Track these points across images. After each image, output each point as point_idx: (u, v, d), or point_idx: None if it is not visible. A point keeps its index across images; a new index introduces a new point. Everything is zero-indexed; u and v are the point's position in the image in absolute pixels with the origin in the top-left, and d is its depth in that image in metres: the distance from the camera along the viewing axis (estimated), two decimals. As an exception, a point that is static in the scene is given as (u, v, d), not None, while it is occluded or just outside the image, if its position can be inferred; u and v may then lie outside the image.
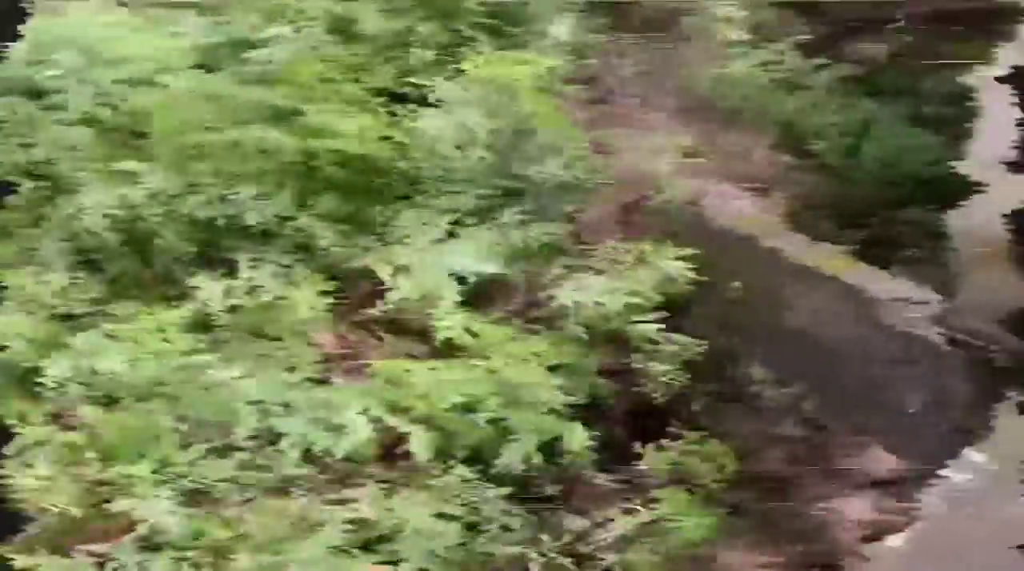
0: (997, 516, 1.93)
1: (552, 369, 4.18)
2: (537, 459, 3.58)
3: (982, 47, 6.51)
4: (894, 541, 1.82)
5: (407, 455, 3.52)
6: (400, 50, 4.73)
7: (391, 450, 3.56)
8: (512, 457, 3.49)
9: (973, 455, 2.08)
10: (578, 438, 3.87)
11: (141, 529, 2.94)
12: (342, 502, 3.26)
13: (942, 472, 2.03)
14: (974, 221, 2.49)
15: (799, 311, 3.53)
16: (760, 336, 3.96)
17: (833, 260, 3.46)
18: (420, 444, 3.41)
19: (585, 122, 5.11)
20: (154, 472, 3.14)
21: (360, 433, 3.27)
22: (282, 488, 3.28)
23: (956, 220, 2.91)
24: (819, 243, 3.80)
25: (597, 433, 4.57)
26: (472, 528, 3.35)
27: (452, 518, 3.27)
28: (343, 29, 4.78)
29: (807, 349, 3.52)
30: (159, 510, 2.97)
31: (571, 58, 5.14)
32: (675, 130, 5.13)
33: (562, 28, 4.73)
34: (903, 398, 2.97)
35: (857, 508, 4.64)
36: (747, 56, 6.59)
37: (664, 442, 4.07)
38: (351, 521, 3.15)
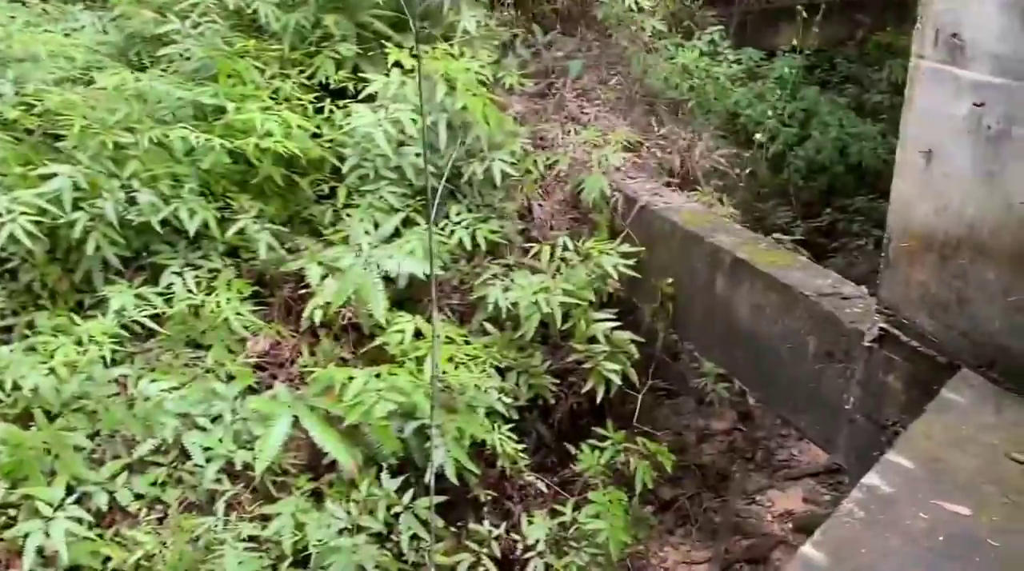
0: (912, 524, 1.86)
1: (495, 370, 4.11)
2: (468, 465, 3.49)
3: (895, 35, 6.52)
4: (808, 552, 1.74)
5: (334, 465, 3.42)
6: (318, 44, 4.58)
7: (318, 461, 3.45)
8: (440, 464, 3.39)
9: (894, 457, 2.01)
10: (511, 443, 3.80)
11: (34, 556, 2.78)
12: (262, 518, 3.14)
13: (865, 476, 1.96)
14: (912, 211, 2.42)
15: (736, 307, 3.46)
16: (700, 332, 3.90)
17: (771, 254, 3.39)
18: (346, 456, 3.29)
19: (525, 116, 5.01)
20: (65, 491, 2.99)
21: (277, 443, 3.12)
22: (200, 505, 3.16)
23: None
24: (760, 237, 3.73)
25: (536, 433, 4.57)
26: (388, 539, 3.25)
27: (368, 532, 3.17)
28: (245, 23, 4.61)
29: (744, 345, 3.45)
30: (60, 534, 2.82)
31: (498, 51, 5.01)
32: (618, 123, 5.04)
33: (472, 22, 4.58)
34: (837, 394, 2.91)
35: (789, 500, 4.64)
36: (684, 47, 6.56)
37: (602, 441, 4.02)
38: (264, 539, 3.03)
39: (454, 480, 3.44)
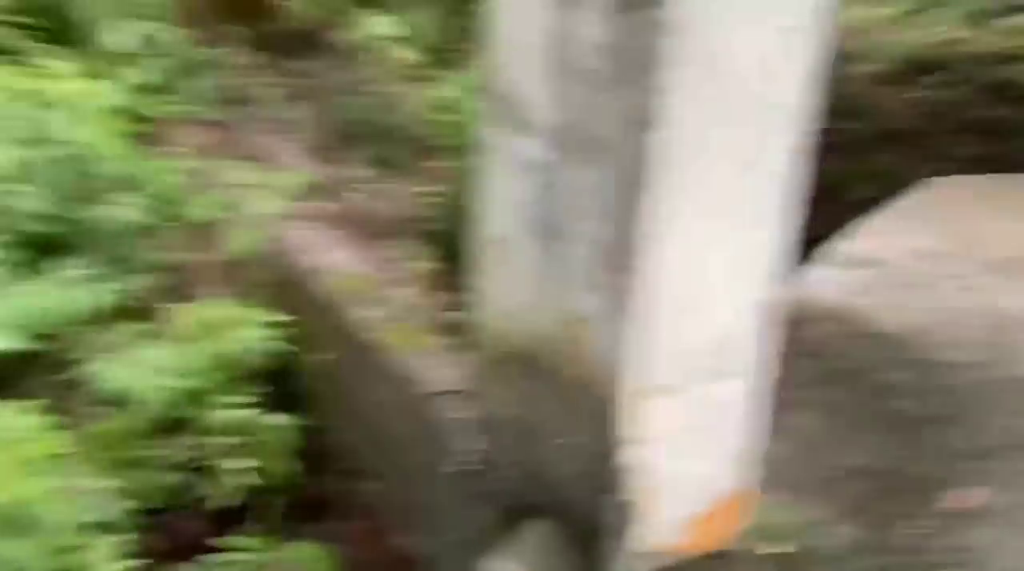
0: None
1: (109, 468, 3.34)
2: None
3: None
4: None
5: None
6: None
7: None
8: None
9: None
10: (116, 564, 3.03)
11: None
12: None
13: None
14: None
15: (372, 398, 2.87)
16: (349, 423, 3.28)
17: (408, 336, 2.82)
18: None
19: (200, 150, 4.28)
20: None
21: None
22: None
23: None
24: (415, 309, 3.16)
25: (191, 533, 3.80)
26: None
27: None
28: None
29: (382, 445, 2.86)
30: None
31: (170, 73, 4.28)
32: (310, 162, 4.39)
33: (127, 35, 3.84)
34: (455, 520, 2.35)
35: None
36: (443, 80, 6.07)
37: (240, 553, 3.32)
38: None
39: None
